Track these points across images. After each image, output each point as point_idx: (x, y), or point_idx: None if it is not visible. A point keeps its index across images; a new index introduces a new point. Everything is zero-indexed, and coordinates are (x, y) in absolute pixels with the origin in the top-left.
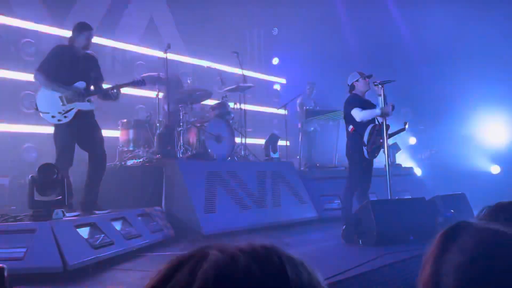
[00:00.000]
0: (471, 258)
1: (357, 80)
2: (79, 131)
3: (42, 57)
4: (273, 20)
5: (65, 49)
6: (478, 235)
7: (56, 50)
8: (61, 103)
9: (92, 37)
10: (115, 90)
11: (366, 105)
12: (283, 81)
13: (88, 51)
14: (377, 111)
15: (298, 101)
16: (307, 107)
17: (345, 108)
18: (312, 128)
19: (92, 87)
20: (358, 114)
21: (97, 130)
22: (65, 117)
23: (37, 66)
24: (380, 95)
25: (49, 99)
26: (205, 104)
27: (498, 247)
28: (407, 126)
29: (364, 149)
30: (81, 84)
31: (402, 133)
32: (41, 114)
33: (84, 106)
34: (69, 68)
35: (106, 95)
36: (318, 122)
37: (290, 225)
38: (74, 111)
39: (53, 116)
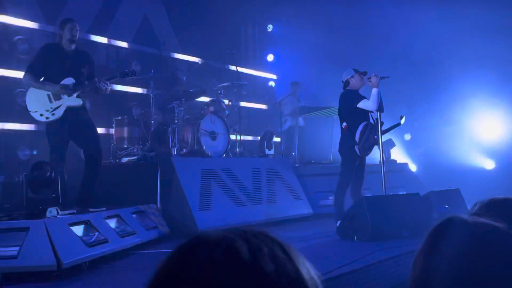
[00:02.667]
0: (463, 253)
1: (352, 77)
2: (72, 128)
3: (35, 54)
4: (267, 17)
5: (53, 46)
6: (470, 230)
7: (44, 49)
8: (49, 101)
9: (75, 29)
10: (106, 83)
11: (361, 99)
12: (278, 78)
13: (81, 49)
14: (373, 90)
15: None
16: (298, 105)
17: (341, 104)
18: (288, 126)
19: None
20: (367, 103)
21: (91, 127)
22: (53, 114)
23: (26, 67)
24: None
25: (37, 98)
26: (200, 101)
27: (490, 242)
28: (403, 121)
29: (356, 147)
30: (69, 80)
31: (396, 128)
32: (30, 113)
33: (72, 102)
34: (57, 65)
35: (95, 89)
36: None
37: (285, 221)
38: (62, 108)
39: (41, 115)
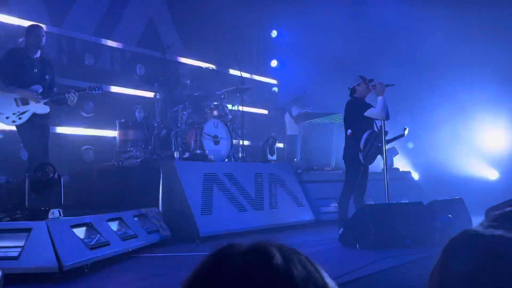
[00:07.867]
0: (479, 268)
1: (358, 84)
2: (31, 132)
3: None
4: (272, 23)
5: (20, 51)
6: (486, 244)
7: (11, 52)
8: (16, 105)
9: (42, 35)
10: (71, 94)
11: (368, 107)
12: (281, 83)
13: (44, 56)
14: (379, 98)
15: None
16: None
17: (347, 111)
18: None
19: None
20: (374, 112)
21: (45, 136)
22: (19, 118)
23: None
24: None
25: (4, 101)
26: (203, 105)
27: (507, 257)
28: (406, 132)
29: (360, 154)
30: (37, 88)
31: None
32: None
33: (39, 109)
34: (25, 70)
35: (60, 100)
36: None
37: (286, 227)
38: (29, 113)
39: (7, 117)
